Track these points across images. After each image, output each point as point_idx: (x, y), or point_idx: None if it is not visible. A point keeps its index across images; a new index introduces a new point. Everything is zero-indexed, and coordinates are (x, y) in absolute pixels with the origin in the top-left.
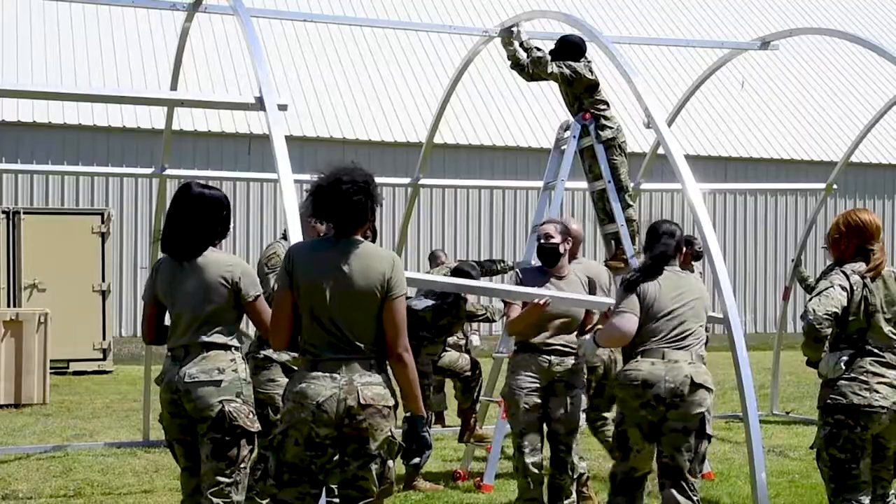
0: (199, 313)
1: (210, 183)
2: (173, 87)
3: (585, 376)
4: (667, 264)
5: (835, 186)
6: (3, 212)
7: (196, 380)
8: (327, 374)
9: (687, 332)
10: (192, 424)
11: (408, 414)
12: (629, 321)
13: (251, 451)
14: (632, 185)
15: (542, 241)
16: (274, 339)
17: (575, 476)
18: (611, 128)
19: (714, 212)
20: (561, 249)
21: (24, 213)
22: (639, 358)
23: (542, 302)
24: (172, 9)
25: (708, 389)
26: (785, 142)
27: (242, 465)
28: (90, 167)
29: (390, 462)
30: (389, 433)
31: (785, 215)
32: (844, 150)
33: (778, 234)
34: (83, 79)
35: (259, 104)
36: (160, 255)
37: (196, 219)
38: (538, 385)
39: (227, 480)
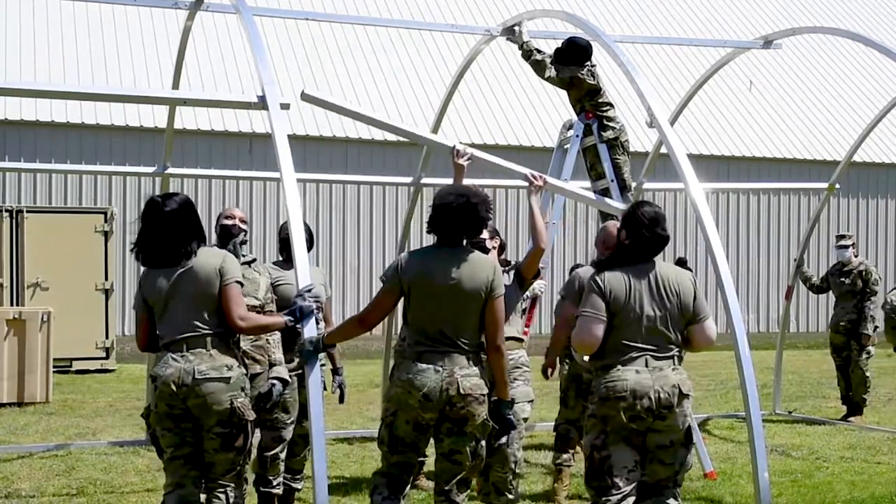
0: (196, 303)
1: (212, 182)
2: (175, 85)
3: (527, 369)
4: (644, 257)
5: (837, 186)
6: (7, 210)
7: (207, 376)
8: (431, 366)
9: (668, 336)
10: (185, 416)
11: (495, 398)
12: (595, 327)
13: (249, 439)
14: (634, 184)
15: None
16: (366, 321)
17: (518, 470)
18: (613, 128)
19: (717, 211)
20: (488, 245)
21: (27, 211)
22: (619, 367)
23: (461, 151)
24: (174, 7)
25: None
26: (788, 141)
27: (248, 452)
28: (93, 166)
29: (483, 442)
30: (484, 416)
31: (788, 214)
32: (847, 149)
33: (781, 233)
34: (86, 77)
35: (261, 103)
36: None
37: (180, 229)
38: None
39: (237, 468)
